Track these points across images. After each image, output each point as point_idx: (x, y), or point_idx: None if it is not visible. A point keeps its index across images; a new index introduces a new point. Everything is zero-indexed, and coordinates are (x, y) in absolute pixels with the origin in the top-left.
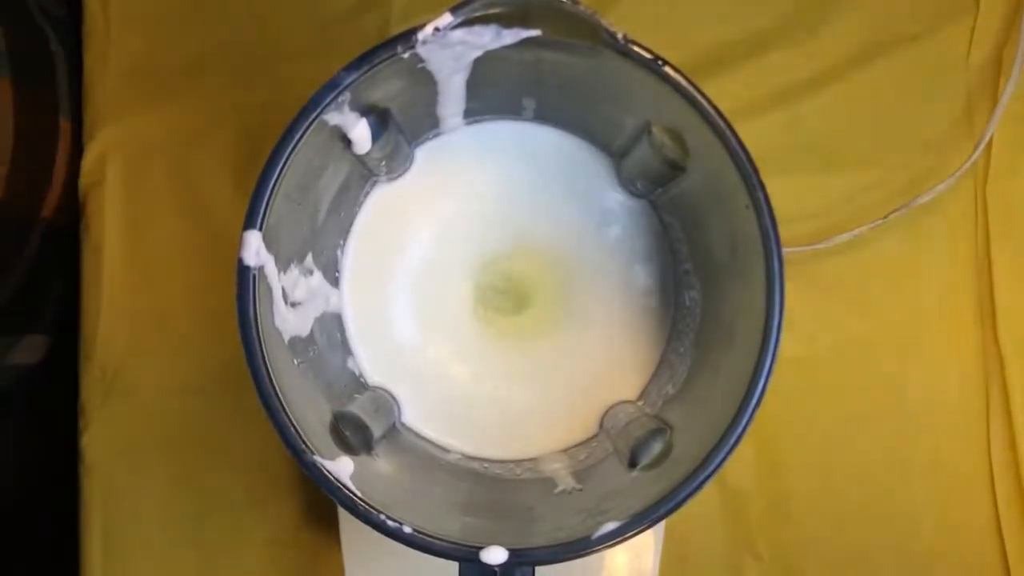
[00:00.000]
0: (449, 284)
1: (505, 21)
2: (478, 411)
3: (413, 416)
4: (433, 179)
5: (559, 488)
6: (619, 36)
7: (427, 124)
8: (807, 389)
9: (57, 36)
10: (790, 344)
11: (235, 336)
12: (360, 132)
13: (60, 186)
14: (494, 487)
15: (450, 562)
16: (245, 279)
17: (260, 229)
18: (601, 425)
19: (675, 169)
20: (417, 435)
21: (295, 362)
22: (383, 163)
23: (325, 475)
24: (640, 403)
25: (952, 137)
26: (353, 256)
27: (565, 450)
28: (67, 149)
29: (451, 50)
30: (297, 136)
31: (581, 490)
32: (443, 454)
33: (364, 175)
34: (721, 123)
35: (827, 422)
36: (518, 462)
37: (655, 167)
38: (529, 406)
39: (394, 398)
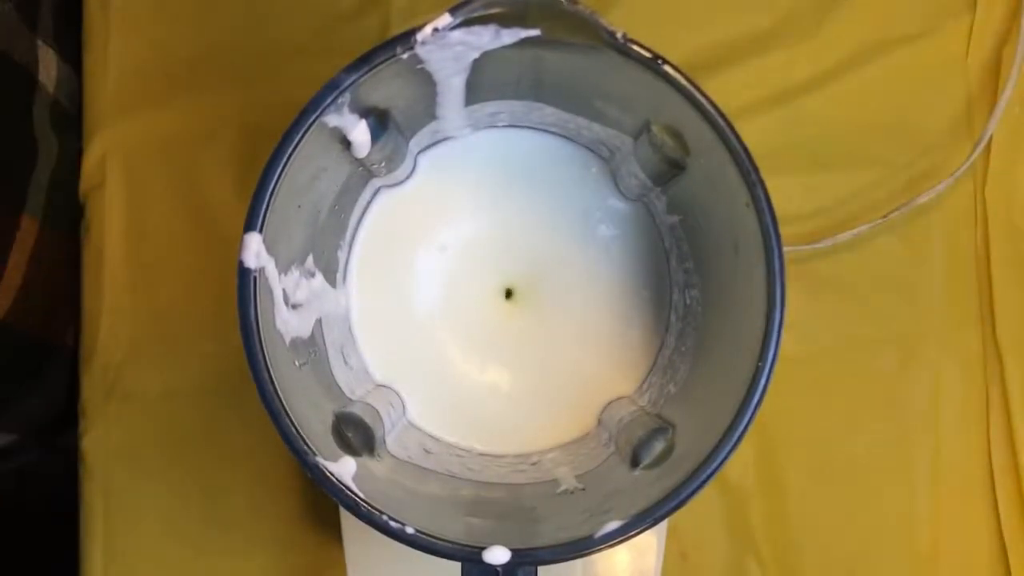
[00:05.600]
0: (451, 285)
1: (504, 21)
2: (479, 407)
3: (416, 413)
4: (436, 185)
5: (561, 488)
6: (619, 35)
7: (427, 125)
8: (807, 389)
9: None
10: (790, 344)
11: (236, 338)
12: (360, 134)
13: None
14: (497, 488)
15: (453, 562)
16: (246, 281)
17: (260, 231)
18: (600, 421)
19: (675, 168)
20: (421, 434)
21: (296, 363)
22: (383, 164)
23: (327, 476)
24: (641, 401)
25: (951, 137)
26: (358, 257)
27: (565, 447)
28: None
29: (450, 51)
30: (297, 138)
31: (583, 490)
32: (445, 460)
33: (364, 176)
34: (721, 121)
35: (827, 422)
36: (519, 459)
37: (655, 166)
38: (529, 402)
39: (398, 396)
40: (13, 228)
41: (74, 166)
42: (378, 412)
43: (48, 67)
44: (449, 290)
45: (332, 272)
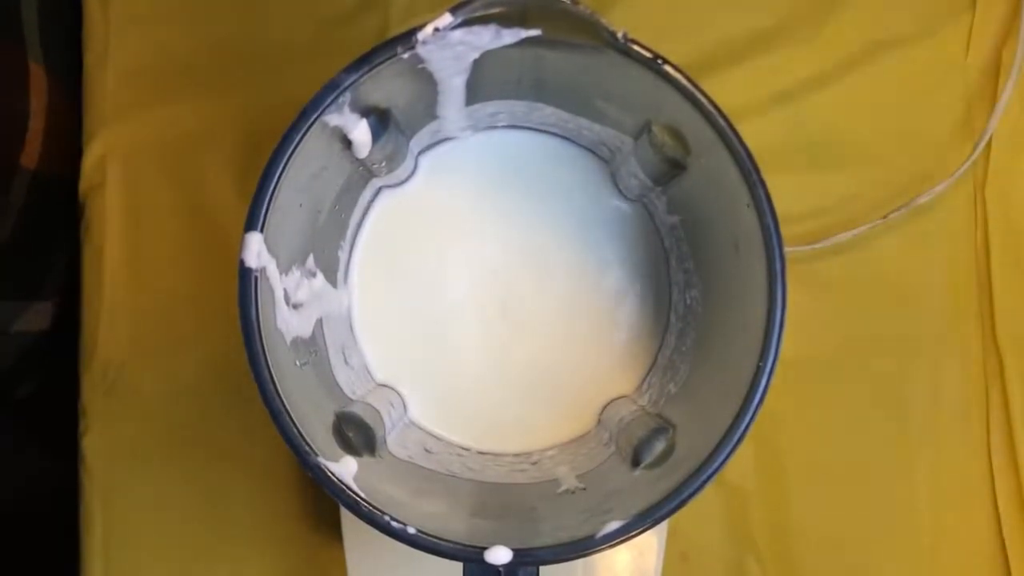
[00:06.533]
0: (452, 284)
1: (505, 21)
2: (480, 405)
3: (417, 412)
4: (438, 186)
5: (563, 488)
6: (619, 35)
7: (427, 125)
8: (807, 389)
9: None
10: (790, 344)
11: (237, 337)
12: (360, 133)
13: (39, 134)
14: (498, 488)
15: (454, 563)
16: (247, 281)
17: (261, 231)
18: (600, 421)
19: (676, 168)
20: (422, 433)
21: (297, 363)
22: (383, 164)
23: (328, 476)
24: (641, 401)
25: (951, 137)
26: (360, 257)
27: (565, 446)
28: (42, 96)
29: (451, 50)
30: (297, 138)
31: (584, 490)
32: (446, 459)
33: (365, 176)
34: (721, 121)
35: (827, 422)
36: (520, 459)
37: (655, 166)
38: (529, 400)
39: (399, 395)
40: (24, 71)
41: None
42: (378, 412)
43: None
44: (450, 289)
45: (333, 272)
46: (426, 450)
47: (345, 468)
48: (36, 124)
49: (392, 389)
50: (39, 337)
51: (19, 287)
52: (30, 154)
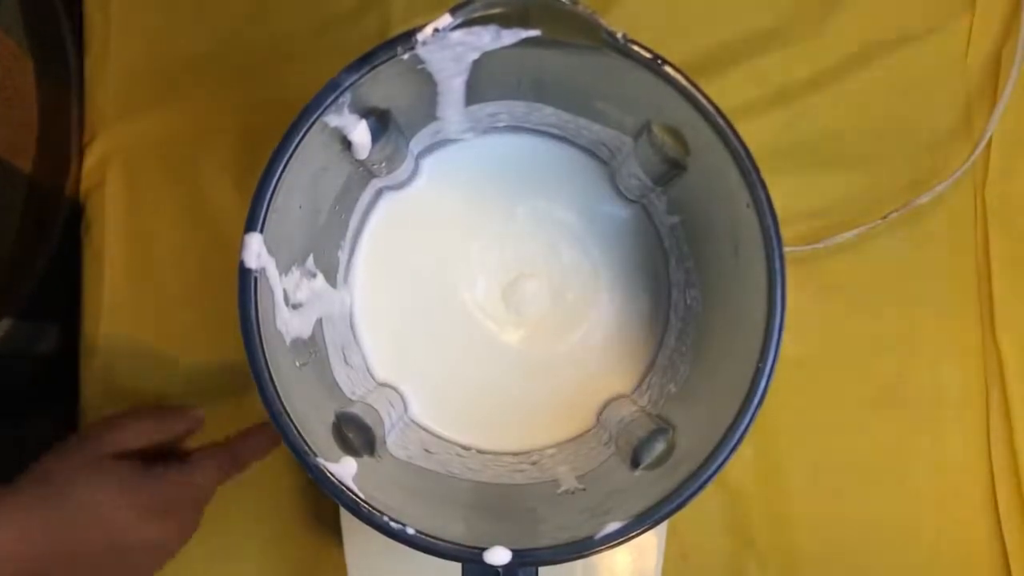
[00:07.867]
0: (453, 285)
1: (504, 21)
2: (480, 404)
3: (418, 411)
4: (439, 189)
5: (562, 488)
6: (619, 36)
7: (427, 125)
8: (807, 389)
9: (66, 11)
10: (790, 344)
11: (237, 338)
12: (360, 134)
13: (77, 167)
14: (497, 488)
15: (454, 563)
16: (246, 282)
17: (261, 231)
18: (599, 420)
19: (676, 167)
20: (423, 433)
21: (297, 364)
22: (383, 164)
23: (328, 477)
24: (641, 401)
25: (952, 137)
26: (364, 258)
27: (565, 445)
28: (78, 130)
29: (451, 51)
30: (298, 138)
31: (584, 490)
32: (445, 459)
33: (364, 177)
34: (721, 122)
35: (827, 422)
36: (519, 458)
37: (655, 166)
38: (529, 400)
39: (399, 394)
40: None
41: None
42: (378, 412)
43: None
44: (451, 290)
45: (333, 272)
46: (426, 450)
47: (344, 468)
48: (75, 157)
49: (393, 388)
50: (52, 358)
51: (43, 308)
52: (70, 187)
